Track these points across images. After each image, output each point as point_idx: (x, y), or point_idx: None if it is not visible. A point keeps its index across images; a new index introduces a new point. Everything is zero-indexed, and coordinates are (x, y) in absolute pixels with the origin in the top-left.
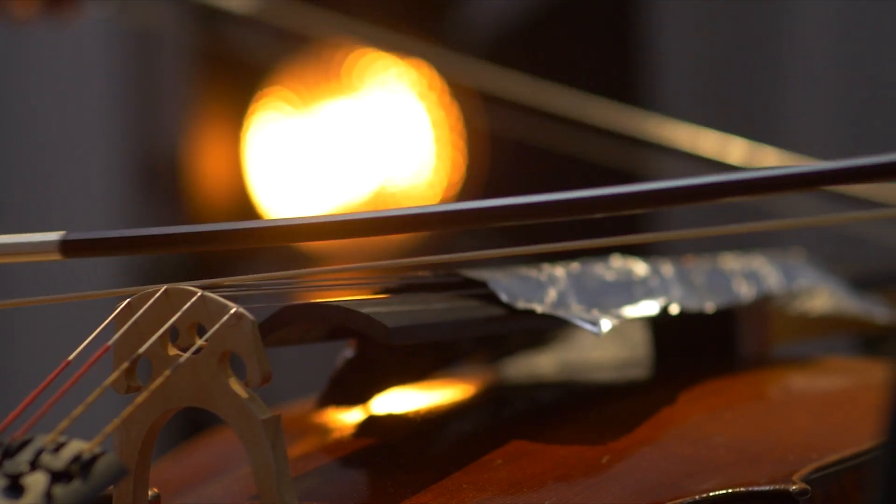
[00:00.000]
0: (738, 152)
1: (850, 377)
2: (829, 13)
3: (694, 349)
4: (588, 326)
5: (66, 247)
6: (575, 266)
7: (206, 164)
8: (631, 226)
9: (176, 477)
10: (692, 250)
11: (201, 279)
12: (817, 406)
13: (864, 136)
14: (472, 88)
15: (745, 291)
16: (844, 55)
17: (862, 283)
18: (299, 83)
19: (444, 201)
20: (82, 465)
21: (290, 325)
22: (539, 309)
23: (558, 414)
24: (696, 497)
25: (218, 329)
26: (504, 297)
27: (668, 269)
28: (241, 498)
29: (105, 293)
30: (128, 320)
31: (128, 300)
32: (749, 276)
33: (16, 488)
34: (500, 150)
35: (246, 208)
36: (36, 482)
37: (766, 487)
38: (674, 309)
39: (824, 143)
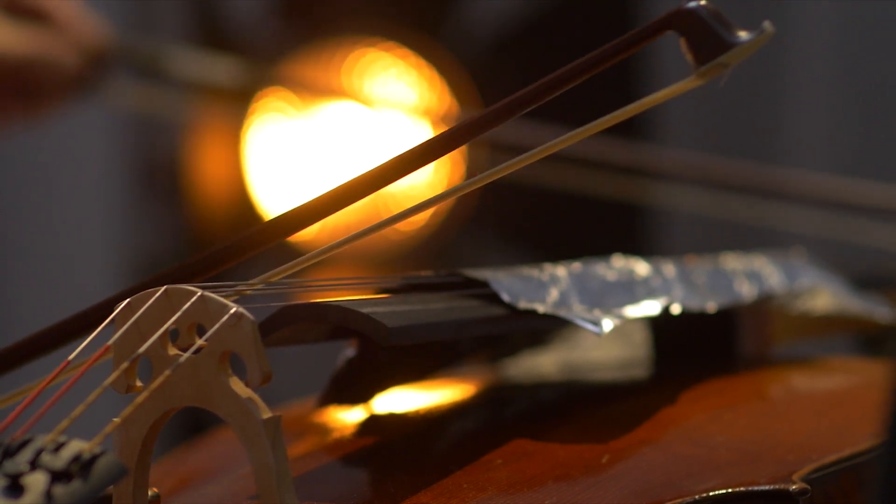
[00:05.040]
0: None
1: (851, 377)
2: (828, 27)
3: (695, 349)
4: (590, 326)
5: None
6: (577, 266)
7: (207, 164)
8: (631, 228)
9: (176, 477)
10: (694, 250)
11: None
12: (817, 406)
13: (864, 151)
14: (472, 88)
15: (746, 291)
16: (844, 69)
17: (863, 283)
18: (299, 83)
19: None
20: (82, 465)
21: (290, 325)
22: (541, 309)
23: (559, 414)
24: (696, 497)
25: (218, 329)
26: (505, 297)
27: (669, 269)
28: (241, 498)
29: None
30: (128, 320)
31: (128, 300)
32: (751, 275)
33: (16, 488)
34: (500, 149)
35: (246, 209)
36: (36, 482)
37: (766, 487)
38: (675, 309)
39: (824, 159)
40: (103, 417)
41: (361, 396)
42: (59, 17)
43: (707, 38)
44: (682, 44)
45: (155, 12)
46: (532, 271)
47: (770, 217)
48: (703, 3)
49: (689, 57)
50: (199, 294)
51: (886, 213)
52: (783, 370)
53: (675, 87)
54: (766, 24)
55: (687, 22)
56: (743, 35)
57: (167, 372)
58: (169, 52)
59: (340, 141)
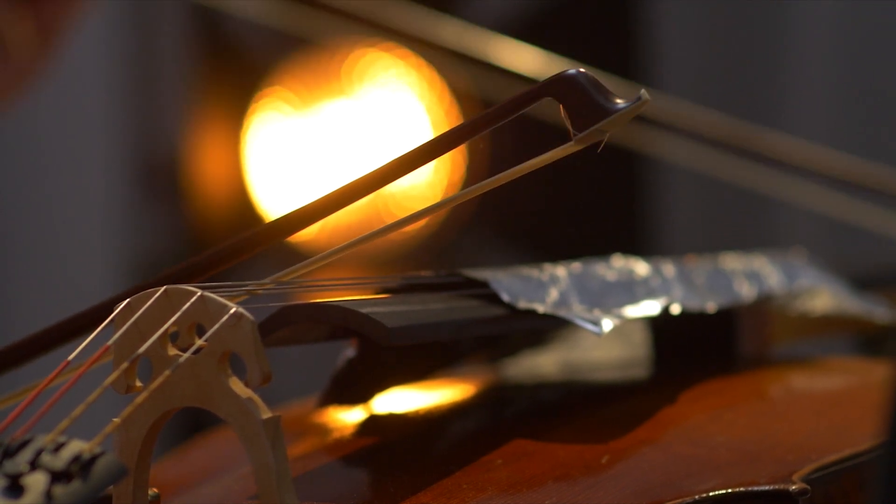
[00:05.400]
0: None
1: (850, 377)
2: (830, 3)
3: (694, 349)
4: (589, 326)
5: None
6: (576, 266)
7: (207, 164)
8: (631, 228)
9: (176, 477)
10: (693, 250)
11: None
12: (817, 406)
13: (865, 122)
14: (472, 88)
15: (746, 291)
16: (846, 42)
17: (863, 283)
18: (299, 83)
19: None
20: (82, 465)
21: (290, 325)
22: (540, 309)
23: (559, 414)
24: (696, 497)
25: (218, 329)
26: (505, 297)
27: (669, 269)
28: (241, 498)
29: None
30: (128, 320)
31: (128, 300)
32: (750, 276)
33: (16, 488)
34: (500, 149)
35: (246, 209)
36: (36, 482)
37: (766, 487)
38: (675, 309)
39: (825, 129)
40: (103, 417)
41: (361, 396)
42: None
43: (585, 106)
44: (561, 110)
45: (153, 12)
46: (532, 271)
47: (766, 185)
48: (581, 70)
49: (567, 123)
50: (198, 294)
51: (885, 195)
52: (783, 370)
53: (552, 153)
54: (643, 93)
55: (565, 89)
56: (620, 102)
57: (167, 372)
58: None
59: (340, 140)
